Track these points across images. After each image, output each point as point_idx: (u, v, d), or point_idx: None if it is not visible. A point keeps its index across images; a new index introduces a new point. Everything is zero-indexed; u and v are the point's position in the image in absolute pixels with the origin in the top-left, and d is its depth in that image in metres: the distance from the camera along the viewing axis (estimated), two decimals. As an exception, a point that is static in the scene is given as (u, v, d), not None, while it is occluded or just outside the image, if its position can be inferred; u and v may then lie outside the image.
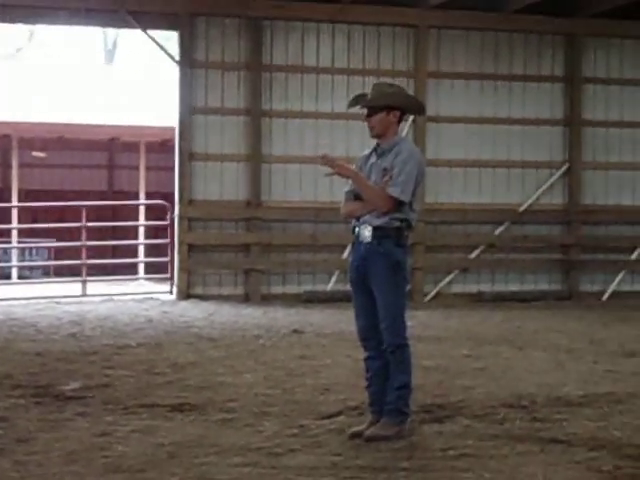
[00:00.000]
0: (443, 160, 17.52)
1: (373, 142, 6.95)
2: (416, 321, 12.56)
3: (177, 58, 16.66)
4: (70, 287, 17.64)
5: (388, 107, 6.79)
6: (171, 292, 17.23)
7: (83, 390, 8.33)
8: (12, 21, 17.52)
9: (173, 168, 17.31)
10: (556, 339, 12.20)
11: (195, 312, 14.83)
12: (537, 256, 17.96)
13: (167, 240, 17.96)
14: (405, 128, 16.34)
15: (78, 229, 18.35)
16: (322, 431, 6.91)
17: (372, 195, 6.70)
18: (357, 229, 6.82)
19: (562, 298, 17.63)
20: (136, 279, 20.27)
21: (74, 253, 19.30)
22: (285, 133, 17.07)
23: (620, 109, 18.31)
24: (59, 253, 21.92)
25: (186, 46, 16.63)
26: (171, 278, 17.47)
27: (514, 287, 17.84)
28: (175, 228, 17.00)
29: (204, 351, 10.84)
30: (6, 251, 21.56)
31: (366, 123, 6.89)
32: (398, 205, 6.67)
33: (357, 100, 7.06)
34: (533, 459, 6.21)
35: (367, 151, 7.01)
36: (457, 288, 17.69)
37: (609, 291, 18.04)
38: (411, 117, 15.88)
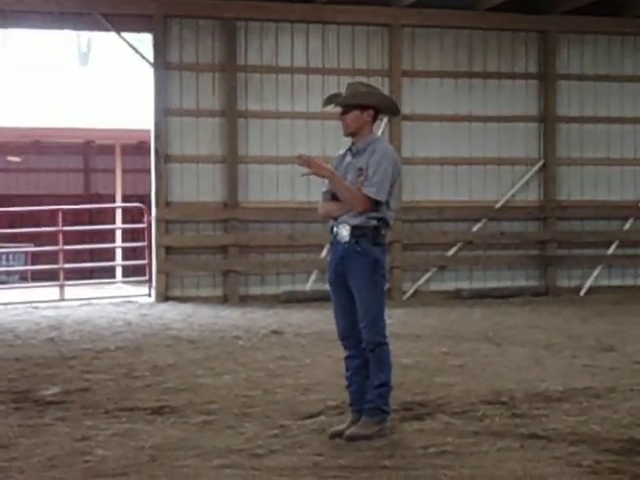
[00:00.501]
0: (419, 158, 17.56)
1: (349, 141, 6.96)
2: (395, 319, 12.58)
3: (151, 60, 16.61)
4: (48, 292, 17.56)
5: (362, 106, 6.80)
6: (149, 295, 17.18)
7: (63, 395, 8.31)
8: (-16, 25, 17.48)
9: (149, 170, 17.28)
10: (534, 335, 12.26)
11: (173, 314, 14.80)
12: (514, 252, 18.02)
13: (144, 243, 17.91)
14: (381, 127, 16.37)
15: (55, 233, 18.27)
16: (303, 431, 6.92)
17: (348, 195, 6.71)
18: (335, 229, 6.83)
19: (540, 294, 17.70)
20: (114, 282, 20.21)
21: (51, 257, 19.23)
22: (261, 134, 17.05)
23: (594, 105, 18.39)
24: (36, 258, 21.83)
25: (160, 48, 16.58)
26: (149, 281, 17.42)
27: (492, 284, 17.88)
28: (152, 230, 16.97)
29: (183, 353, 10.83)
30: (-17, 257, 21.49)
31: (341, 121, 6.90)
32: (375, 204, 6.68)
33: (332, 99, 7.08)
34: (513, 455, 6.24)
35: (342, 151, 7.03)
36: (435, 286, 17.73)
37: (586, 286, 18.11)
38: (386, 117, 15.89)
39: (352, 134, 6.86)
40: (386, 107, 7.12)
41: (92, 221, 23.43)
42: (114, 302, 16.59)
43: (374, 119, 6.90)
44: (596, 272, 18.24)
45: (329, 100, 7.09)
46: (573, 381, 8.79)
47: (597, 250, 18.33)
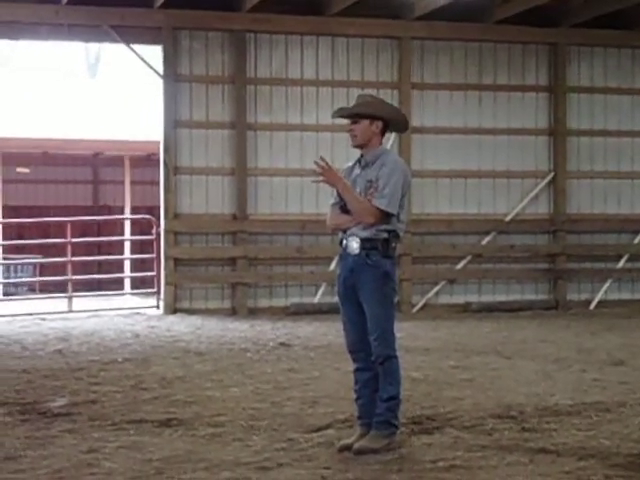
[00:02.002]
0: (429, 171, 17.53)
1: (358, 154, 6.91)
2: (404, 332, 12.53)
3: (161, 72, 16.63)
4: (56, 303, 17.56)
5: (371, 116, 6.75)
6: (157, 307, 17.16)
7: (70, 407, 8.28)
8: (-6, 37, 17.48)
9: (158, 182, 17.28)
10: (544, 349, 12.21)
11: (182, 326, 14.78)
12: (524, 266, 17.97)
13: (153, 255, 17.89)
14: (390, 139, 16.34)
15: (63, 245, 18.27)
16: (311, 445, 6.88)
17: (359, 207, 6.67)
18: (344, 241, 6.79)
19: (549, 307, 17.65)
20: (122, 294, 20.20)
21: (60, 269, 19.22)
22: (270, 146, 17.05)
23: (604, 118, 18.35)
24: (45, 269, 21.82)
25: (170, 60, 16.60)
26: (157, 293, 17.40)
27: (501, 297, 17.83)
28: (161, 242, 16.96)
29: (191, 366, 10.80)
30: (-9, 268, 21.46)
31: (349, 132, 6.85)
32: (385, 217, 6.64)
33: (341, 110, 7.05)
34: (522, 470, 6.20)
35: (350, 163, 6.99)
36: (444, 299, 17.68)
37: (596, 300, 18.04)
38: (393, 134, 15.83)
39: (360, 145, 6.81)
40: (395, 120, 6.98)
41: (100, 233, 23.44)
42: (122, 314, 16.58)
43: (383, 132, 6.85)
44: (606, 286, 18.18)
45: (339, 111, 7.06)
46: (583, 395, 8.74)
47: (607, 264, 18.28)
